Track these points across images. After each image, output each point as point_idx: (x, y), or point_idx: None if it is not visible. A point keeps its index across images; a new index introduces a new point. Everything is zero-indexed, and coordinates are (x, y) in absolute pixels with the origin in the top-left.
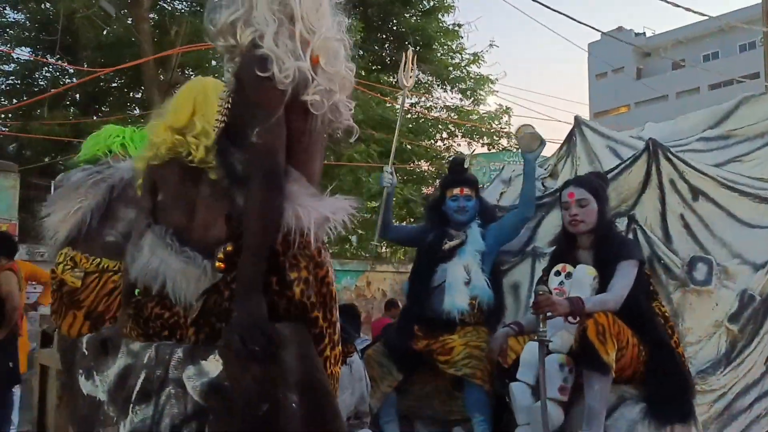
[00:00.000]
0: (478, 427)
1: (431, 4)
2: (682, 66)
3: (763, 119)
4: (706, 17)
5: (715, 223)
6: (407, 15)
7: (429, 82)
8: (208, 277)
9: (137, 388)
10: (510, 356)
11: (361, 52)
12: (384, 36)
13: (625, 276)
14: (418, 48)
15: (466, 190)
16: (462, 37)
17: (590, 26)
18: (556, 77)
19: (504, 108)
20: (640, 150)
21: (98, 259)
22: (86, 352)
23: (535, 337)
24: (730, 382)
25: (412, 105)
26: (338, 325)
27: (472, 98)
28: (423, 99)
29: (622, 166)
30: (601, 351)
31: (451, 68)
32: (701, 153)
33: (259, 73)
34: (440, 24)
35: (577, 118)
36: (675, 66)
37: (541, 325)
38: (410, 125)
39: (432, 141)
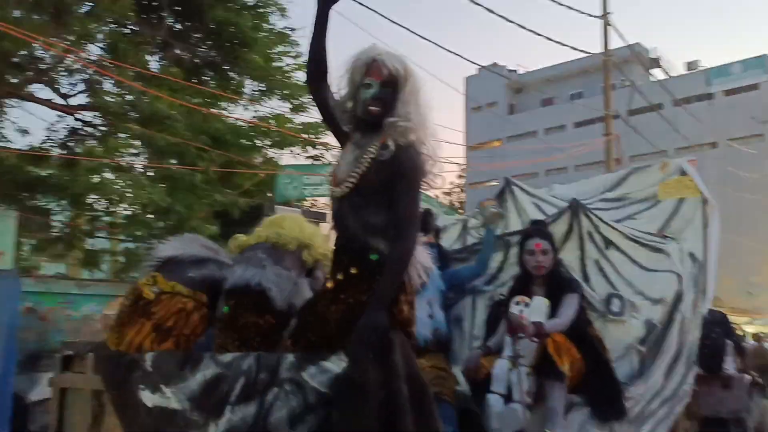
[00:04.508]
0: None
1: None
2: (551, 103)
3: (648, 186)
4: (588, 54)
5: (622, 267)
6: (223, 9)
7: (241, 82)
8: (300, 291)
9: (236, 391)
10: (481, 372)
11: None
12: (201, 33)
13: (570, 305)
14: (233, 43)
15: (431, 239)
16: (297, 43)
17: (469, 60)
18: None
19: None
20: (564, 207)
21: (173, 283)
22: (151, 369)
23: (504, 355)
24: (642, 391)
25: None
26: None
27: (294, 105)
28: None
29: (550, 219)
30: (558, 363)
31: (279, 75)
32: (603, 211)
33: (425, 168)
34: (256, 23)
35: (507, 179)
36: (544, 103)
37: (515, 343)
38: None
39: (256, 152)
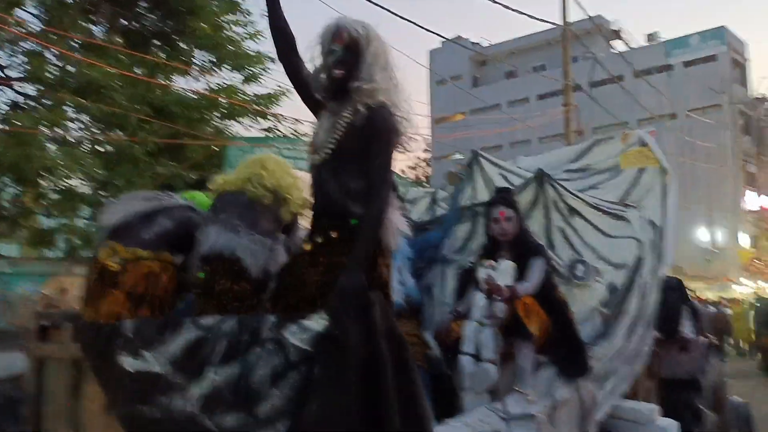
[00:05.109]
0: None
1: None
2: (514, 76)
3: (610, 157)
4: (548, 24)
5: (586, 234)
6: None
7: (190, 50)
8: (275, 256)
9: (218, 353)
10: (452, 335)
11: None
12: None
13: (537, 269)
14: (180, 11)
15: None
16: (249, 12)
17: (434, 32)
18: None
19: (283, 90)
20: (529, 178)
21: (133, 249)
22: (131, 335)
23: (473, 317)
24: (606, 351)
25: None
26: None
27: (245, 76)
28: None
29: (517, 189)
30: (527, 324)
31: (230, 45)
32: (567, 182)
33: (398, 128)
34: None
35: (474, 152)
36: (508, 75)
37: (491, 305)
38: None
39: (204, 124)
